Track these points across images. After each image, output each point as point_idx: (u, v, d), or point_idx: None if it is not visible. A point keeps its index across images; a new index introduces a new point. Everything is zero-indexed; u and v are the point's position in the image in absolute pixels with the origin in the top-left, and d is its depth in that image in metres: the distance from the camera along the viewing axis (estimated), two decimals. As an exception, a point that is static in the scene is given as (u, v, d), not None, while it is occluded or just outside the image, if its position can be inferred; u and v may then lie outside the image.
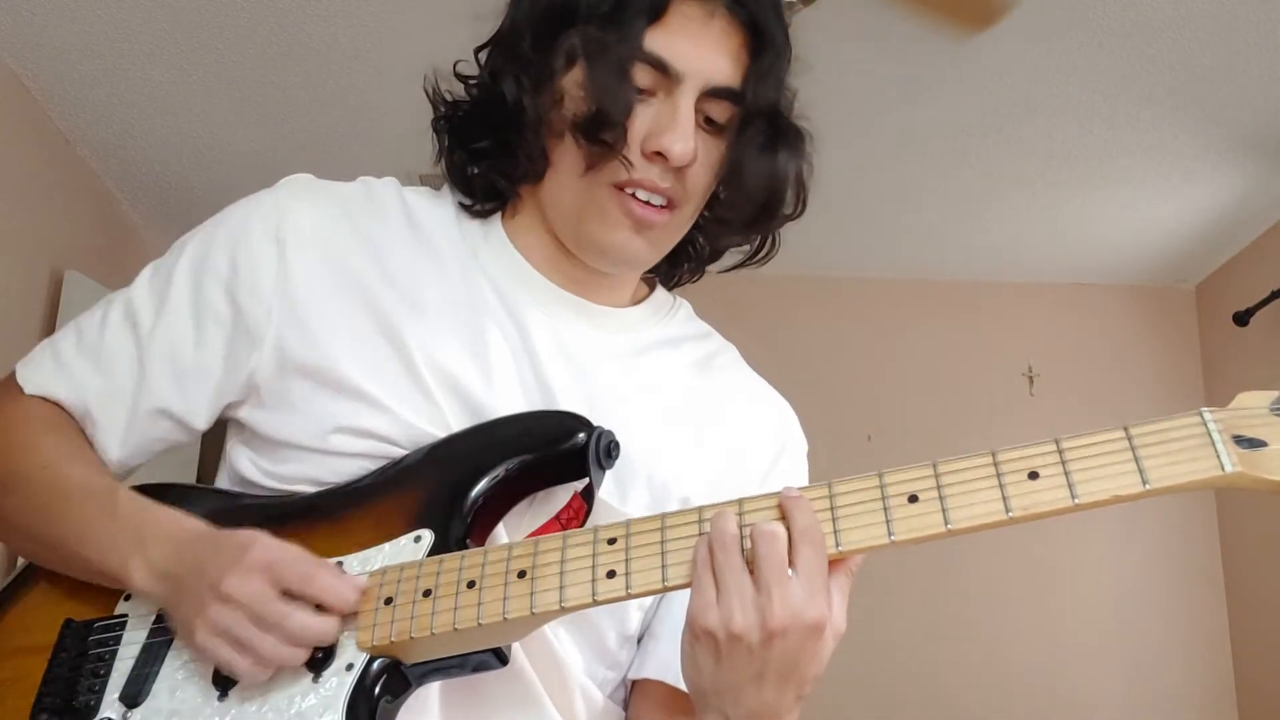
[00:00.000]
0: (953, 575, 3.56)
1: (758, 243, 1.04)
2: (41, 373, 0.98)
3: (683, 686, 0.88)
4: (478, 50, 0.99)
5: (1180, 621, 3.61)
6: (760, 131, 0.94)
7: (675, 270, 1.09)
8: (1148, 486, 0.72)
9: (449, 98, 1.00)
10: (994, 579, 3.59)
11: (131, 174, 3.23)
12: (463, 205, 1.01)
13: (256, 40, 2.61)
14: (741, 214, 0.98)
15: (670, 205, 0.94)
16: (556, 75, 0.92)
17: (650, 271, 1.07)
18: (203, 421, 0.98)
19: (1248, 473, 0.71)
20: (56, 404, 0.98)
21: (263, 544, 0.83)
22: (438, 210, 1.01)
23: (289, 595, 0.82)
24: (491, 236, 1.00)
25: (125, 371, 0.96)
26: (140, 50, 2.64)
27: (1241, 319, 3.38)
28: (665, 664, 0.96)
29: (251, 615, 0.81)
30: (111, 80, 2.76)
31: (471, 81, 1.00)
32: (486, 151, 0.98)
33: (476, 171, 0.99)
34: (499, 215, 1.02)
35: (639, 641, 1.01)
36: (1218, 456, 0.72)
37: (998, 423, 3.69)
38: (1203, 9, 2.43)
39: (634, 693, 1.00)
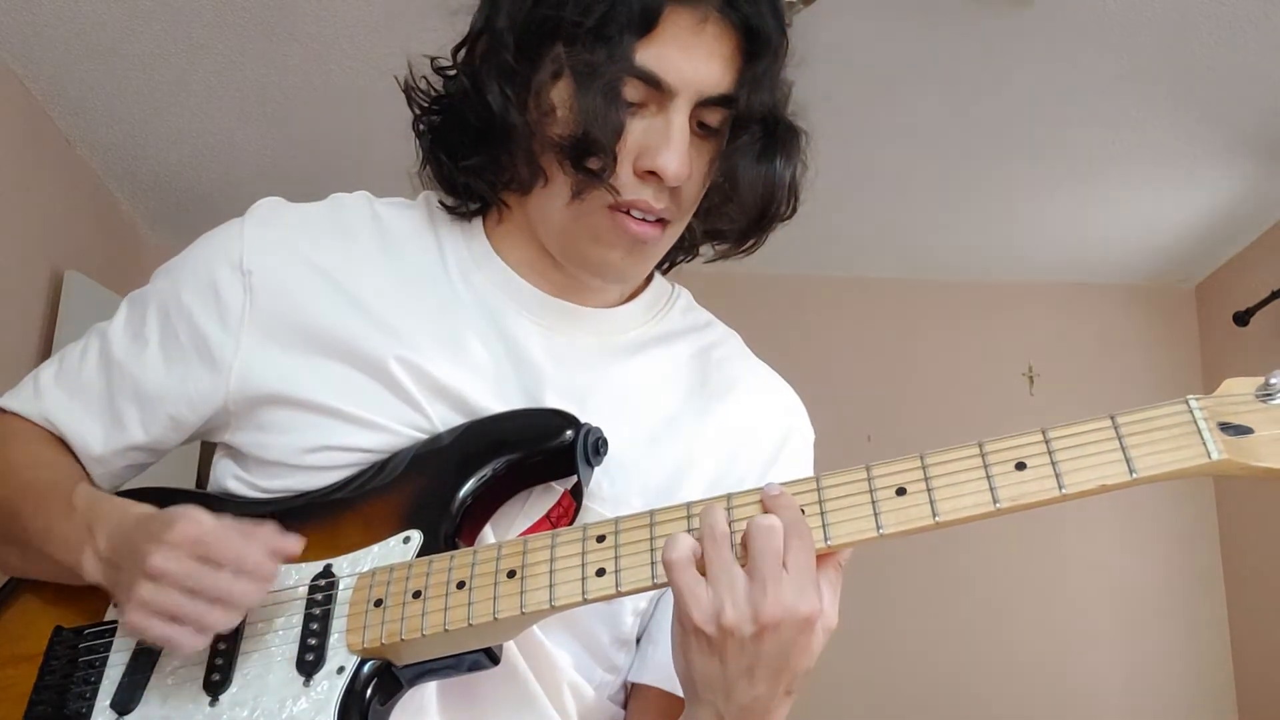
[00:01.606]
0: (953, 574, 3.56)
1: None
2: (22, 396, 1.01)
3: (679, 692, 0.88)
4: (455, 49, 0.95)
5: (1180, 620, 3.61)
6: (755, 138, 0.91)
7: (668, 257, 1.06)
8: (1134, 475, 0.72)
9: (430, 91, 0.97)
10: (994, 578, 3.59)
11: (132, 174, 3.23)
12: (444, 205, 0.99)
13: (257, 40, 2.61)
14: (736, 225, 0.96)
15: (664, 220, 0.92)
16: (544, 89, 0.88)
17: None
18: (173, 446, 1.00)
19: (1234, 460, 0.71)
20: (34, 424, 1.00)
21: (187, 518, 0.83)
22: (412, 220, 1.00)
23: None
24: (474, 244, 0.99)
25: (97, 406, 0.98)
26: (140, 50, 2.64)
27: (1241, 319, 3.38)
28: (663, 670, 0.95)
29: (180, 588, 0.81)
30: (112, 80, 2.76)
31: (450, 73, 0.96)
32: (472, 157, 0.95)
33: (461, 175, 0.97)
34: (481, 220, 1.00)
35: (638, 642, 1.00)
36: (1204, 444, 0.71)
37: (998, 423, 3.67)
38: (1203, 9, 2.43)
39: (632, 696, 1.00)
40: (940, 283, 3.85)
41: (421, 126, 0.98)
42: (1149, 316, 3.85)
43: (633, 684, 0.99)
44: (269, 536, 0.85)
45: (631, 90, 0.87)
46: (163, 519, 0.84)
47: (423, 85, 0.97)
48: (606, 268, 0.93)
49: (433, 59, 0.97)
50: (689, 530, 0.79)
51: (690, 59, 0.87)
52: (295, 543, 0.85)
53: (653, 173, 0.88)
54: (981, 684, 3.52)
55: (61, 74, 2.74)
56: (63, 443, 1.00)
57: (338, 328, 0.93)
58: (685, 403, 1.00)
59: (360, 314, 0.93)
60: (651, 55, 0.86)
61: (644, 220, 0.91)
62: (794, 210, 0.97)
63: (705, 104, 0.89)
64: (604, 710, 0.97)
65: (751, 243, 1.01)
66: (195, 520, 0.83)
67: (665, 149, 0.87)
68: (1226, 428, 0.72)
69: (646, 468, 0.95)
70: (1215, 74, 2.66)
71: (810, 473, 1.02)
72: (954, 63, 2.65)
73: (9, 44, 2.62)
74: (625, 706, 1.00)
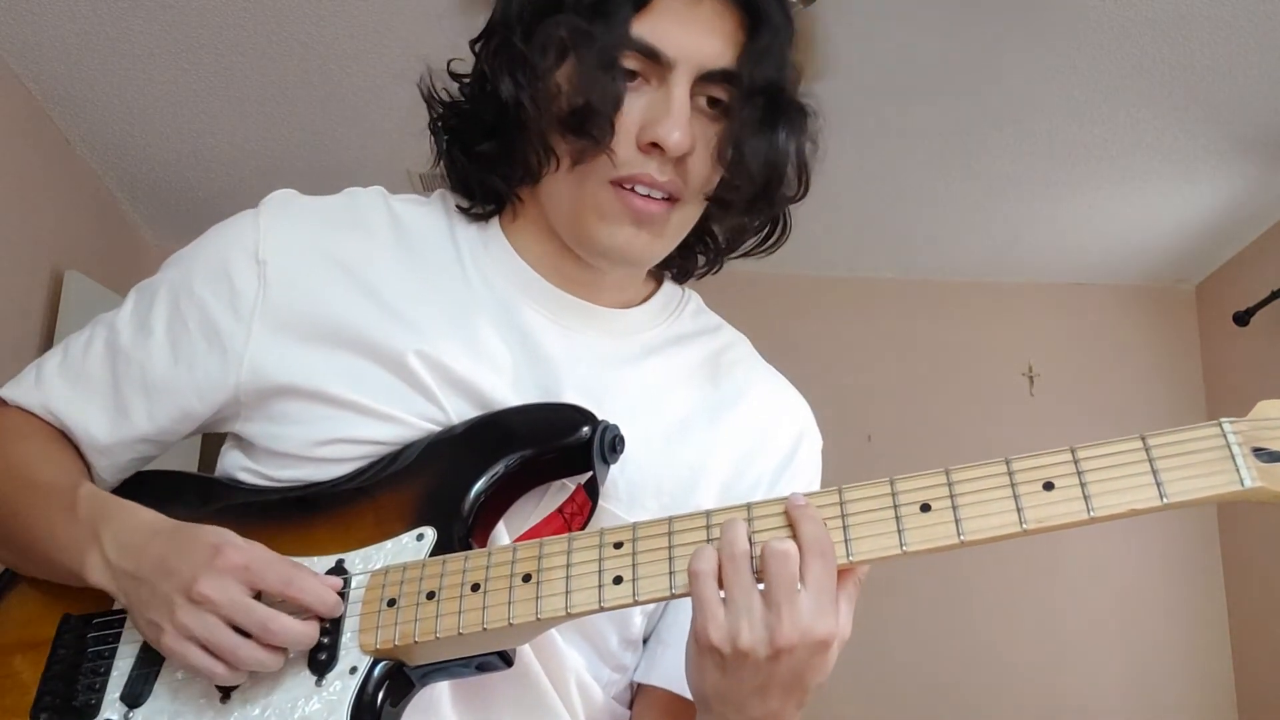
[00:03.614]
0: (952, 572, 3.56)
1: (768, 227, 1.01)
2: (23, 387, 0.99)
3: (689, 695, 0.88)
4: (473, 43, 0.97)
5: (1180, 621, 3.61)
6: (759, 110, 0.91)
7: (689, 263, 1.06)
8: (1166, 501, 0.71)
9: (446, 97, 0.98)
10: (994, 576, 3.58)
11: (131, 174, 3.22)
12: (460, 208, 0.99)
13: (256, 40, 2.61)
14: (742, 195, 0.94)
15: (672, 198, 0.92)
16: (550, 72, 0.90)
17: (663, 266, 1.05)
18: (179, 437, 0.98)
19: (1268, 487, 0.69)
20: (36, 416, 0.98)
21: (234, 544, 0.82)
22: (427, 217, 1.00)
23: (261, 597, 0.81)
24: (490, 241, 0.99)
25: (101, 395, 0.96)
26: (140, 50, 2.64)
27: (1241, 319, 3.38)
28: (671, 672, 0.95)
29: (227, 619, 0.79)
30: (111, 80, 2.76)
31: (466, 79, 0.97)
32: (487, 153, 0.96)
33: (476, 173, 0.98)
34: (497, 219, 1.00)
35: (644, 642, 1.00)
36: (1237, 470, 0.70)
37: (998, 423, 3.69)
38: (1203, 9, 2.43)
39: (639, 696, 1.00)
40: (940, 283, 3.84)
41: (438, 124, 0.99)
42: (1149, 316, 3.84)
43: (640, 684, 0.99)
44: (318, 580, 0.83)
45: (631, 63, 0.89)
46: (203, 539, 0.82)
47: (440, 89, 0.98)
48: (615, 248, 0.93)
49: (450, 62, 0.98)
50: (709, 540, 0.78)
51: (687, 31, 0.89)
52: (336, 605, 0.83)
53: (655, 145, 0.88)
54: (981, 683, 3.52)
55: (61, 74, 2.73)
56: (65, 436, 0.98)
57: (354, 319, 0.92)
58: (699, 406, 1.00)
59: (377, 306, 0.93)
60: (648, 27, 0.88)
61: (649, 197, 0.91)
62: (805, 189, 0.97)
63: (708, 79, 0.90)
64: (610, 710, 0.97)
65: (769, 230, 1.01)
66: (240, 546, 0.82)
67: (665, 120, 0.88)
68: (1260, 453, 0.70)
69: (661, 469, 0.95)
70: (1215, 74, 2.66)
71: (819, 480, 1.03)
72: (953, 63, 2.65)
73: (9, 44, 2.61)
74: (630, 706, 1.00)
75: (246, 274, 0.93)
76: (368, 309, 0.93)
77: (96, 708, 0.86)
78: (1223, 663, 3.58)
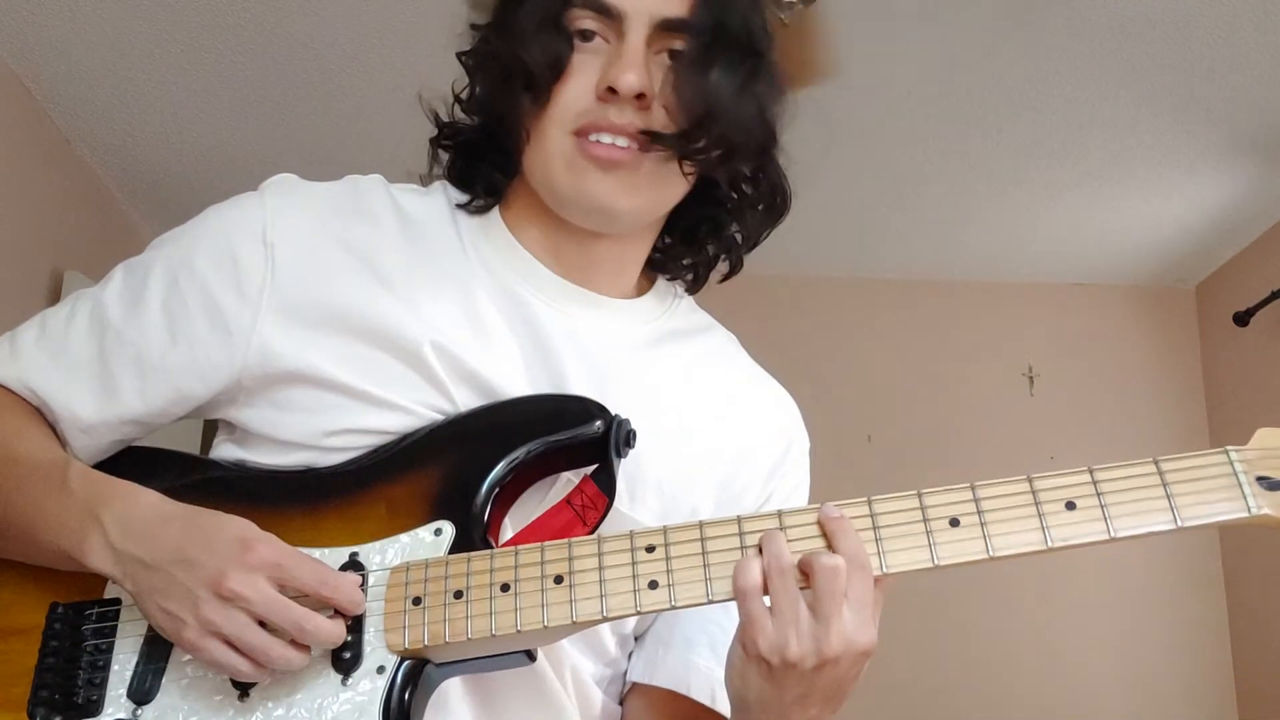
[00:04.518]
0: (951, 580, 3.56)
1: (762, 197, 1.01)
2: None
3: (693, 694, 0.88)
4: (460, 55, 0.99)
5: (1180, 620, 3.61)
6: (717, 52, 0.91)
7: (695, 262, 1.06)
8: (1180, 524, 0.74)
9: (446, 117, 1.00)
10: (993, 576, 3.58)
11: (131, 174, 3.22)
12: (459, 206, 0.99)
13: (257, 41, 2.61)
14: (696, 135, 0.91)
15: (641, 146, 0.91)
16: (509, 48, 0.91)
17: (667, 270, 1.06)
18: (168, 420, 0.95)
19: (1273, 515, 0.73)
20: (10, 391, 0.93)
21: (263, 539, 0.80)
22: (430, 207, 0.99)
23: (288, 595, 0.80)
24: (491, 230, 0.99)
25: (87, 371, 0.92)
26: (140, 50, 2.64)
27: (1241, 319, 3.38)
28: (676, 673, 0.96)
29: (259, 617, 0.78)
30: (111, 80, 2.76)
31: (462, 95, 0.99)
32: (479, 144, 0.98)
33: (475, 169, 0.99)
34: (496, 208, 1.00)
35: (636, 639, 1.01)
36: (1244, 497, 0.73)
37: (998, 423, 3.68)
38: (1203, 9, 2.43)
39: (637, 695, 1.00)
40: (940, 283, 3.84)
41: (439, 143, 1.01)
42: (1149, 316, 3.84)
43: (639, 684, 0.99)
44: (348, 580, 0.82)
45: (587, 22, 0.91)
46: (228, 532, 0.80)
47: (445, 118, 1.01)
48: (587, 194, 0.92)
49: (454, 84, 1.00)
50: (741, 547, 0.79)
51: None
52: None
53: (612, 90, 0.89)
54: (981, 683, 3.52)
55: (61, 74, 2.73)
56: (39, 413, 0.93)
57: (367, 308, 0.91)
58: (695, 404, 1.00)
59: (390, 295, 0.92)
60: None
61: (613, 145, 0.91)
62: (772, 135, 0.96)
63: (667, 29, 0.91)
64: (603, 704, 0.98)
65: (762, 199, 1.00)
66: (270, 542, 0.80)
67: (618, 63, 0.89)
68: (1263, 481, 0.74)
69: (662, 464, 0.95)
70: (1215, 74, 2.66)
71: (807, 480, 1.04)
72: (953, 63, 2.65)
73: (9, 44, 2.61)
74: (620, 702, 1.00)
75: (254, 256, 0.91)
76: (381, 297, 0.91)
77: (99, 704, 0.83)
78: (1223, 670, 3.58)
